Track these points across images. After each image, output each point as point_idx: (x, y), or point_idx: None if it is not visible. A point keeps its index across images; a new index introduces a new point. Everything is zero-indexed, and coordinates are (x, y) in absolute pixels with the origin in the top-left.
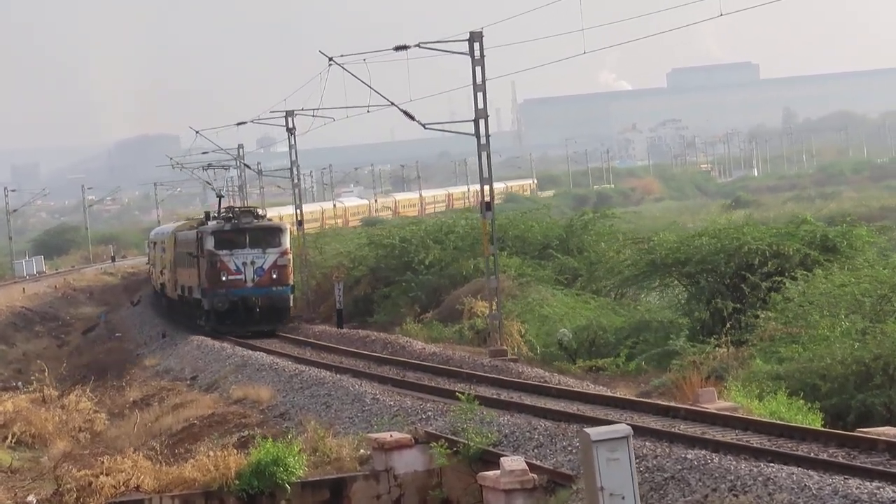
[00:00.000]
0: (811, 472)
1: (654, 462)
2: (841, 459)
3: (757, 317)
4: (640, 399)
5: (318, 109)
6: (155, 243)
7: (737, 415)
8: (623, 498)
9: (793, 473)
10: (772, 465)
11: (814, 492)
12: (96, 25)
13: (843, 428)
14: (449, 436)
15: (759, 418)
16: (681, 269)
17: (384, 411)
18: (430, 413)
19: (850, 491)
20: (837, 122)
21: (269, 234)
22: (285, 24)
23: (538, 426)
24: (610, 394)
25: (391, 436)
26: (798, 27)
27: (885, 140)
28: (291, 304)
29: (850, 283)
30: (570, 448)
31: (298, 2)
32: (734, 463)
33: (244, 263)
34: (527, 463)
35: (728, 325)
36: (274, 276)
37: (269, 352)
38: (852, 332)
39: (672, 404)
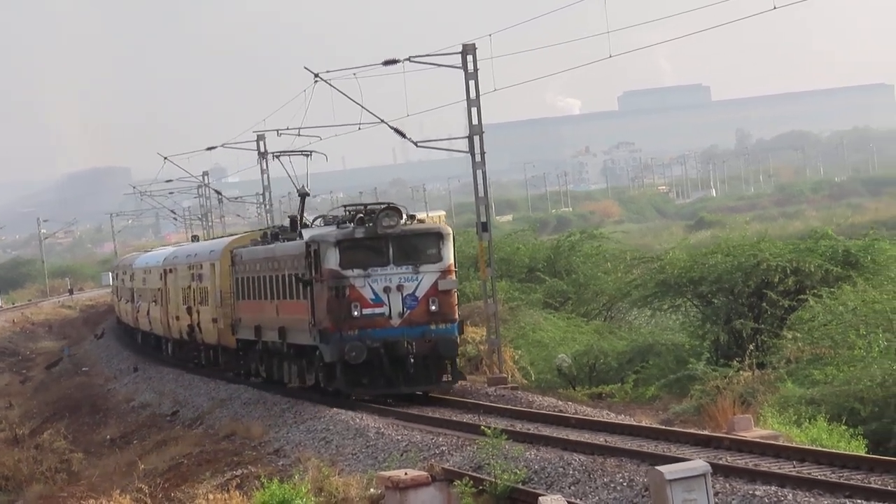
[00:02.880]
0: None
1: (718, 500)
2: None
3: (778, 336)
4: (674, 429)
5: (302, 128)
6: (127, 273)
7: (786, 444)
8: None
9: None
10: (859, 501)
11: None
12: (47, 59)
13: (884, 454)
14: (472, 473)
15: (810, 447)
16: (694, 289)
17: (391, 447)
18: (443, 448)
19: None
20: (792, 141)
21: (423, 244)
22: (247, 50)
23: (571, 461)
24: (636, 423)
25: (405, 473)
26: (748, 49)
27: (842, 158)
28: (458, 350)
29: (881, 299)
30: (612, 485)
31: (266, 29)
32: (812, 500)
33: (387, 290)
34: (568, 502)
35: (752, 347)
36: (433, 309)
37: (253, 385)
38: (891, 352)
39: (712, 433)
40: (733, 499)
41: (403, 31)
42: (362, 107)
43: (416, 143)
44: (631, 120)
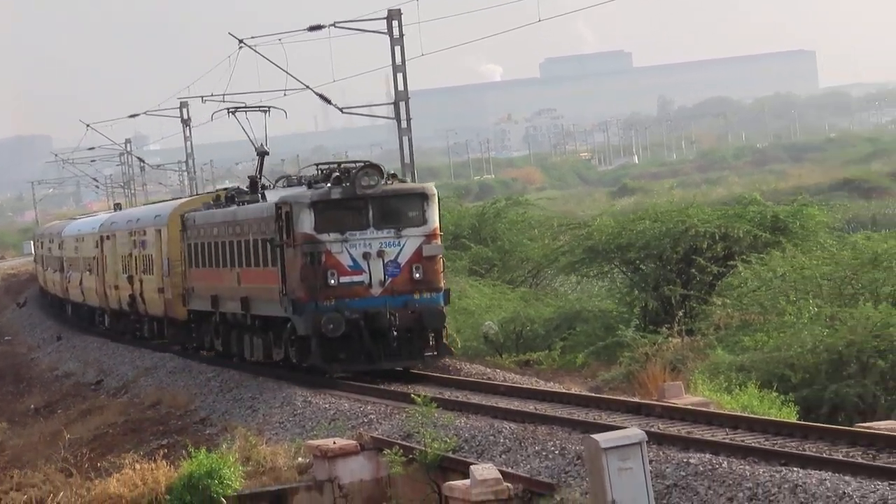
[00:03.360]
0: (846, 477)
1: (652, 468)
2: (861, 460)
3: (706, 303)
4: (604, 396)
5: (227, 95)
6: (54, 242)
7: (717, 411)
8: None
9: (824, 480)
10: (795, 469)
11: (856, 500)
12: None
13: (815, 421)
14: (401, 441)
15: (743, 414)
16: (622, 256)
17: (319, 415)
18: (372, 416)
19: None
20: (714, 108)
21: (406, 205)
22: (170, 15)
23: (502, 429)
24: (566, 391)
25: (334, 442)
26: (670, 16)
27: (763, 125)
28: (446, 321)
29: (810, 265)
30: (544, 453)
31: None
32: (747, 468)
33: (366, 256)
34: (499, 471)
35: (680, 314)
36: (417, 276)
37: (178, 353)
38: (821, 318)
39: (642, 401)
40: (667, 466)
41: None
42: (287, 73)
43: (341, 110)
44: (552, 87)
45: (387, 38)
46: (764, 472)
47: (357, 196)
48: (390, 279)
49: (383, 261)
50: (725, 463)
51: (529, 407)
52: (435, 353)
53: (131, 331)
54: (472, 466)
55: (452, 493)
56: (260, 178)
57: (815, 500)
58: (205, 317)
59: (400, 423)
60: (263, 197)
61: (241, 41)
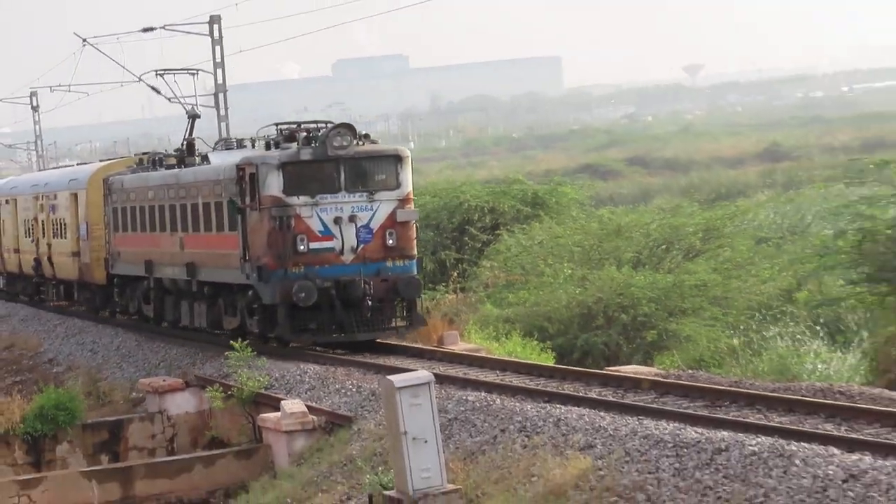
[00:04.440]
0: (601, 413)
1: (437, 403)
2: (612, 398)
3: (477, 265)
4: (394, 343)
5: (72, 85)
6: None
7: (489, 356)
8: (426, 441)
9: (583, 415)
10: (557, 406)
11: (610, 432)
12: None
13: (569, 365)
14: (221, 380)
15: (510, 359)
16: None
17: (151, 357)
18: (197, 359)
19: (649, 432)
20: (477, 104)
21: (380, 168)
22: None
23: (307, 370)
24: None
25: (164, 380)
26: (446, 23)
27: (519, 118)
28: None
29: (564, 234)
30: (343, 390)
31: None
32: (517, 404)
33: (338, 220)
34: (305, 405)
35: (455, 274)
36: (390, 243)
37: (30, 304)
38: (574, 279)
39: (425, 347)
40: (449, 403)
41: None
42: (123, 67)
43: (168, 99)
44: (342, 84)
45: (209, 38)
46: (531, 408)
47: (328, 157)
48: (362, 245)
49: (355, 226)
50: (498, 400)
51: (329, 354)
52: (408, 323)
53: (30, 293)
54: (282, 401)
55: (265, 424)
56: (185, 142)
57: (575, 431)
58: (131, 282)
59: (220, 366)
60: (206, 159)
61: (84, 39)
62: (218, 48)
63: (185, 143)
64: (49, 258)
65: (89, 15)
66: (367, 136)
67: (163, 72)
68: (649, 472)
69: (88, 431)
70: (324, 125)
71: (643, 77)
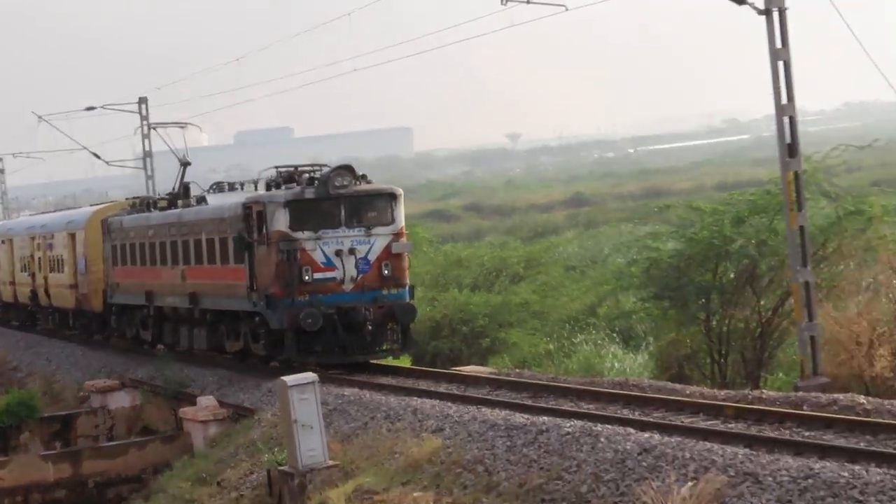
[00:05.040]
0: (448, 403)
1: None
2: (456, 392)
3: None
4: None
5: (32, 153)
6: None
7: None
8: (312, 427)
9: (434, 405)
10: (414, 398)
11: (456, 418)
12: None
13: (423, 366)
14: (149, 381)
15: (377, 363)
16: None
17: (95, 364)
18: (131, 365)
19: (486, 418)
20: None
21: (376, 205)
22: None
23: (216, 374)
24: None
25: (105, 382)
26: (328, 97)
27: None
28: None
29: (418, 265)
30: (247, 389)
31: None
32: (382, 398)
33: (339, 253)
34: (217, 400)
35: None
36: (385, 273)
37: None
38: (427, 299)
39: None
40: (329, 397)
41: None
42: (70, 137)
43: (107, 163)
44: (242, 150)
45: (138, 115)
46: (394, 400)
47: (330, 196)
48: (361, 275)
49: (355, 258)
50: (368, 395)
51: (231, 364)
52: (402, 346)
53: (23, 319)
54: (198, 397)
55: (185, 415)
56: (178, 188)
57: (429, 418)
58: (128, 310)
59: (150, 370)
60: (204, 200)
61: (40, 116)
62: (145, 123)
63: (180, 186)
64: (45, 290)
65: (45, 94)
66: (363, 176)
67: (155, 125)
68: (487, 449)
69: (45, 423)
70: (318, 168)
71: (476, 142)
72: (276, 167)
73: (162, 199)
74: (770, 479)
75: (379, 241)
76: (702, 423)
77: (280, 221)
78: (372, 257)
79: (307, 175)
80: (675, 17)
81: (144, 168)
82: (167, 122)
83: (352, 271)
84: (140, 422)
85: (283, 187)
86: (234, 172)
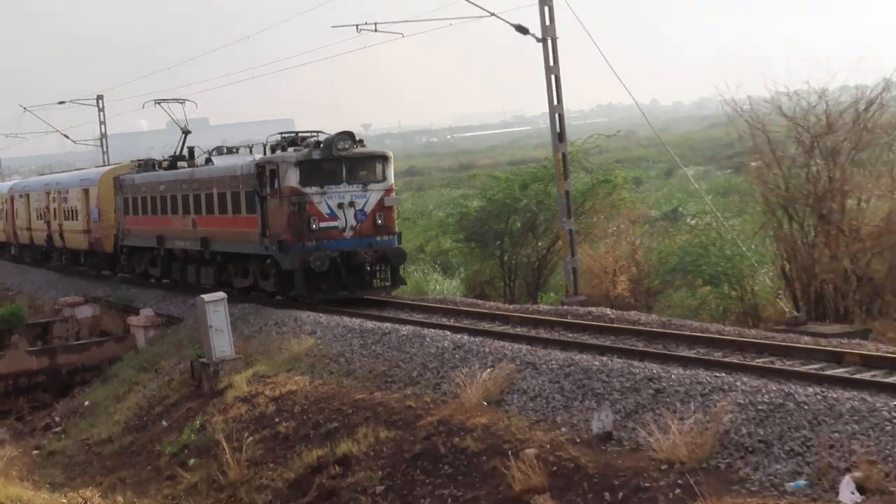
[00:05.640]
0: (320, 314)
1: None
2: (325, 306)
3: None
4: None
5: (19, 134)
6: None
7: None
8: (222, 331)
9: (311, 315)
10: (296, 311)
11: (325, 325)
12: None
13: None
14: (105, 297)
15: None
16: None
17: (68, 287)
18: (94, 286)
19: (347, 324)
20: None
21: (371, 166)
22: None
23: (155, 294)
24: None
25: (74, 298)
26: (240, 88)
27: None
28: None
29: None
30: (176, 303)
31: None
32: (273, 310)
33: (340, 205)
34: (154, 312)
35: None
36: (378, 223)
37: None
38: None
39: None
40: (235, 309)
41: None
42: (49, 125)
43: (74, 142)
44: (173, 135)
45: (96, 109)
46: (280, 312)
47: (333, 157)
48: (359, 224)
49: (354, 210)
50: (263, 308)
51: (165, 282)
52: (391, 283)
53: (38, 258)
54: (140, 309)
55: (132, 322)
56: (179, 152)
57: (306, 325)
58: (137, 251)
59: (107, 290)
60: (210, 161)
61: (24, 108)
62: (102, 114)
63: (185, 150)
64: (60, 234)
65: (30, 86)
66: (360, 141)
67: (159, 101)
68: (347, 346)
69: (30, 328)
70: (315, 133)
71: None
72: (280, 133)
73: (164, 160)
74: (544, 366)
75: (373, 196)
76: (497, 327)
77: (291, 178)
78: (368, 209)
79: (311, 140)
80: (480, 40)
81: (101, 146)
82: (168, 98)
83: (351, 221)
84: (99, 327)
85: (289, 149)
86: (167, 150)
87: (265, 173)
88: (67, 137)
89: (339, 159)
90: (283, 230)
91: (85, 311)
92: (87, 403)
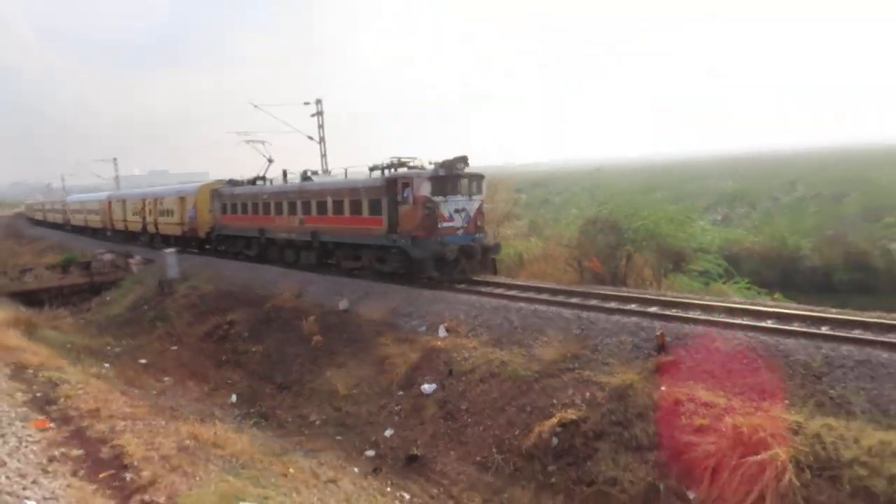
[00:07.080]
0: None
1: (189, 262)
2: (238, 259)
3: None
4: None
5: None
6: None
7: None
8: (173, 266)
9: (232, 262)
10: (219, 259)
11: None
12: None
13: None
14: (117, 251)
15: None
16: None
17: (101, 245)
18: (112, 247)
19: (245, 265)
20: None
21: (475, 181)
22: None
23: (142, 251)
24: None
25: (102, 251)
26: (183, 142)
27: None
28: (500, 250)
29: None
30: (151, 254)
31: None
32: (222, 261)
33: (456, 210)
34: (142, 257)
35: None
36: (478, 223)
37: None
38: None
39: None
40: (187, 260)
41: None
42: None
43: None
44: (155, 180)
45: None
46: (215, 259)
47: (454, 174)
48: (466, 224)
49: (463, 214)
50: (212, 259)
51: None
52: (491, 270)
53: (126, 240)
54: (135, 255)
55: (131, 261)
56: (264, 174)
57: (244, 271)
58: (231, 238)
59: (116, 247)
60: (310, 180)
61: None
62: (118, 160)
63: (265, 173)
64: (154, 225)
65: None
66: (468, 164)
67: (250, 140)
68: (239, 272)
69: (80, 265)
70: (410, 160)
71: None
72: (391, 158)
73: (251, 180)
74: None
75: (475, 204)
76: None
77: (425, 189)
78: (472, 213)
79: (441, 163)
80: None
81: (116, 182)
82: (255, 140)
83: (462, 222)
84: (114, 264)
85: (406, 167)
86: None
87: (397, 185)
88: (98, 176)
89: (457, 176)
90: (416, 228)
91: (108, 256)
92: (108, 298)
